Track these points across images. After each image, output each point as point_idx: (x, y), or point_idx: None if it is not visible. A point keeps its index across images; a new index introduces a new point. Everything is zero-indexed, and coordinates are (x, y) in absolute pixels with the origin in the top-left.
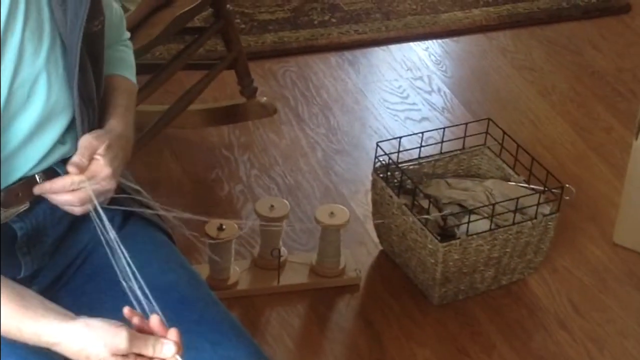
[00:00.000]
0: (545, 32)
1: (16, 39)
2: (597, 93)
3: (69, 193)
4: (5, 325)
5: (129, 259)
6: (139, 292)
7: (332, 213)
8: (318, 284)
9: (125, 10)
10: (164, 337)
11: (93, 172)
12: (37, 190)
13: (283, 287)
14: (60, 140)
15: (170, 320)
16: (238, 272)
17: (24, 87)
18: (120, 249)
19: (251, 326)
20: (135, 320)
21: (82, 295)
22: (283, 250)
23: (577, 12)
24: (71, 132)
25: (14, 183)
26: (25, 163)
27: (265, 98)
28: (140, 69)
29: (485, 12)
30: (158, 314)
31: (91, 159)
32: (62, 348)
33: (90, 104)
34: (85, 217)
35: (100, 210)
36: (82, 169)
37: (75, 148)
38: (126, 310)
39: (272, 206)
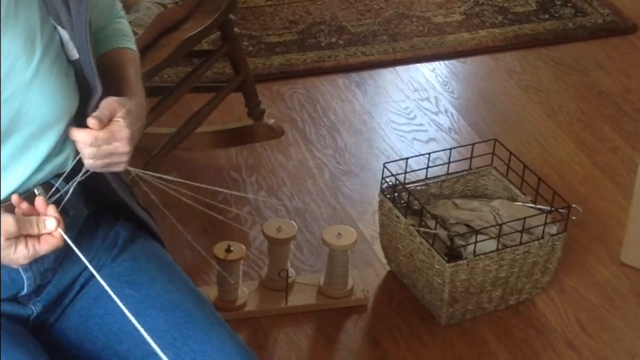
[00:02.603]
0: (551, 52)
1: (7, 49)
2: (603, 113)
3: (84, 144)
4: None
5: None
6: None
7: (339, 234)
8: (326, 304)
9: (134, 34)
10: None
11: (112, 132)
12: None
13: (291, 308)
14: (56, 150)
15: (174, 338)
16: (246, 293)
17: (15, 98)
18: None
19: (259, 347)
20: (24, 205)
21: (89, 318)
22: (291, 271)
23: (584, 32)
24: (68, 141)
25: (10, 199)
26: (22, 173)
27: (272, 120)
28: (149, 92)
29: (492, 34)
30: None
31: (111, 119)
32: None
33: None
34: (87, 236)
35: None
36: (102, 124)
37: (71, 157)
38: (14, 197)
39: (279, 227)
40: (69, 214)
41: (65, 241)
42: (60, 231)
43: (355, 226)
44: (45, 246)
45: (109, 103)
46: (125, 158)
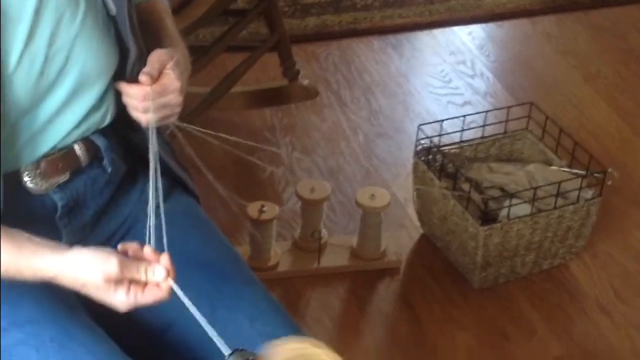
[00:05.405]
0: (589, 16)
1: (55, 3)
2: None
3: (138, 100)
4: (5, 268)
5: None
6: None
7: (373, 196)
8: (358, 266)
9: None
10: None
11: (164, 85)
12: (116, 85)
13: (323, 269)
14: (96, 106)
15: (208, 294)
16: (279, 253)
17: (61, 52)
18: (156, 173)
19: (291, 307)
20: (130, 251)
21: None
22: (324, 232)
23: None
24: (106, 97)
25: (53, 153)
26: (62, 129)
27: (307, 81)
28: None
29: None
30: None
31: (161, 72)
32: (59, 280)
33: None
34: (125, 190)
35: (152, 126)
36: (153, 79)
37: (110, 113)
38: (119, 246)
39: (313, 188)
40: (107, 170)
41: (172, 292)
42: (171, 283)
43: (388, 189)
44: (149, 298)
45: (158, 56)
46: (178, 109)
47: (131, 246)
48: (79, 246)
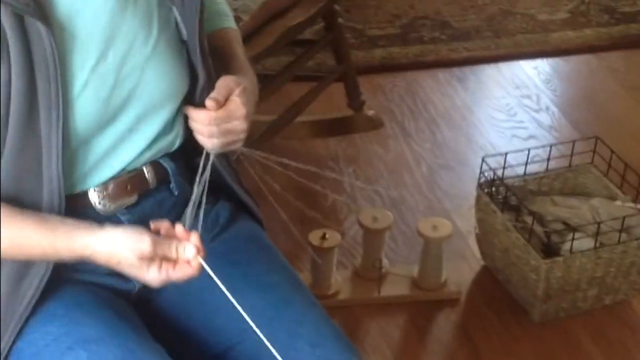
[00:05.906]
0: None
1: (127, 26)
2: None
3: (203, 124)
4: (42, 250)
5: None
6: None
7: (435, 226)
8: (418, 296)
9: (239, 20)
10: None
11: (229, 111)
12: (184, 109)
13: (383, 299)
14: (165, 130)
15: (270, 318)
16: (339, 281)
17: (133, 75)
18: (201, 199)
19: (351, 336)
20: (163, 230)
21: (187, 293)
22: (385, 261)
23: None
24: (176, 121)
25: (122, 175)
26: (131, 152)
27: (372, 111)
28: None
29: (597, 32)
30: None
31: (227, 98)
32: (95, 257)
33: (209, 85)
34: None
35: (215, 151)
36: (219, 105)
37: (179, 137)
38: (152, 224)
39: (375, 217)
40: (174, 193)
41: (203, 270)
42: (200, 260)
43: (450, 220)
44: (179, 274)
45: (225, 82)
46: (242, 136)
47: (163, 225)
48: (111, 225)
